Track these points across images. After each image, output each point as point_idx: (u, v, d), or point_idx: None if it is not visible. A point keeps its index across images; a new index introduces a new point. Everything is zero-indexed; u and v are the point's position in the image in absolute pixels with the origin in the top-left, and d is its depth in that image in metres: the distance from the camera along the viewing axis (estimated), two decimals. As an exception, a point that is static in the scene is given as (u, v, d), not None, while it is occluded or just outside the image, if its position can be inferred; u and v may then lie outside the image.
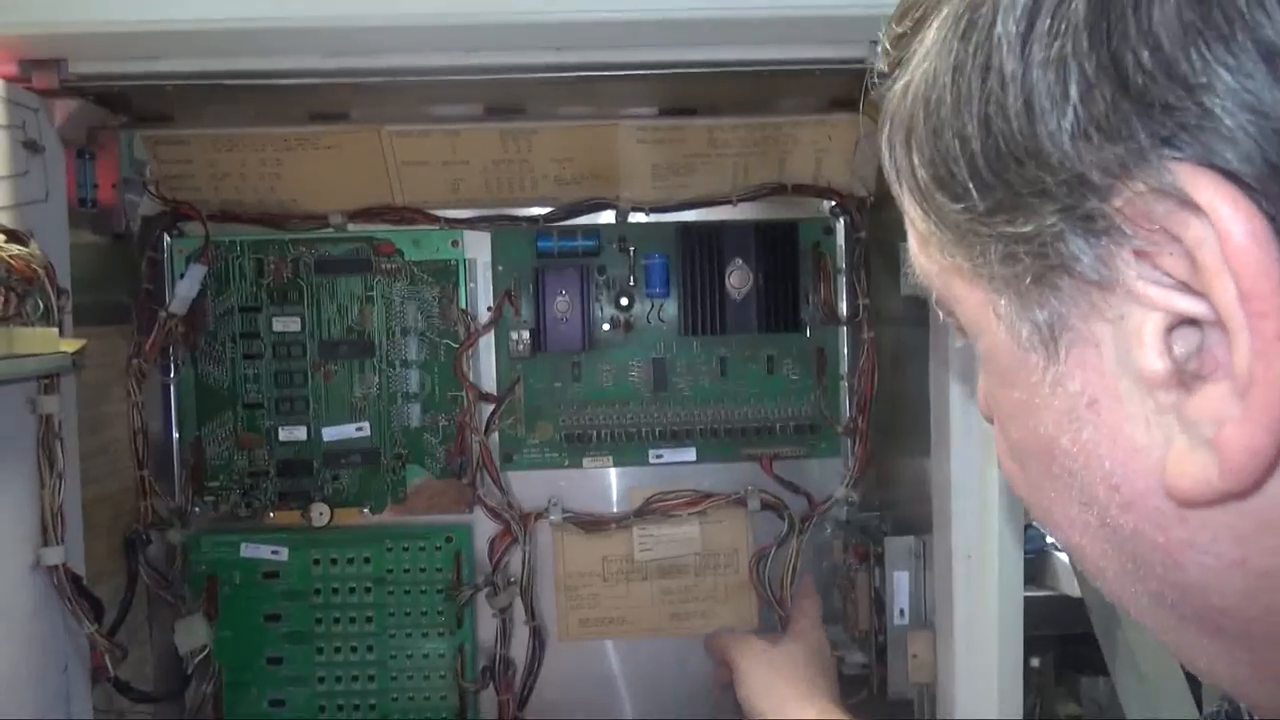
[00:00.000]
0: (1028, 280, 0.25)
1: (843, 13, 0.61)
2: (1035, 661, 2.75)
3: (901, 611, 0.79)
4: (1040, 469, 0.29)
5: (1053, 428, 0.27)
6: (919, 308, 0.75)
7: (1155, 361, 0.23)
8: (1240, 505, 0.23)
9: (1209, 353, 0.23)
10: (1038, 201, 0.24)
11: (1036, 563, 2.41)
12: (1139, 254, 0.23)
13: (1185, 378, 0.23)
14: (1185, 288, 0.23)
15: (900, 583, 0.79)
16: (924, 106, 0.27)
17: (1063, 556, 2.34)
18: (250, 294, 0.90)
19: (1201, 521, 0.24)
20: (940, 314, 0.33)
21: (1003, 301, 0.27)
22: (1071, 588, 1.90)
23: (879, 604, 0.80)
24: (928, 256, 0.31)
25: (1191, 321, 0.23)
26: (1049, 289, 0.25)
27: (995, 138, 0.24)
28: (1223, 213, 0.21)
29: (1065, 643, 2.59)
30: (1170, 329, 0.23)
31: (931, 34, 0.27)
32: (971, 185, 0.25)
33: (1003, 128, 0.24)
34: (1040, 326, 0.26)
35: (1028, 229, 0.24)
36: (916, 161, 0.27)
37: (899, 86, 0.28)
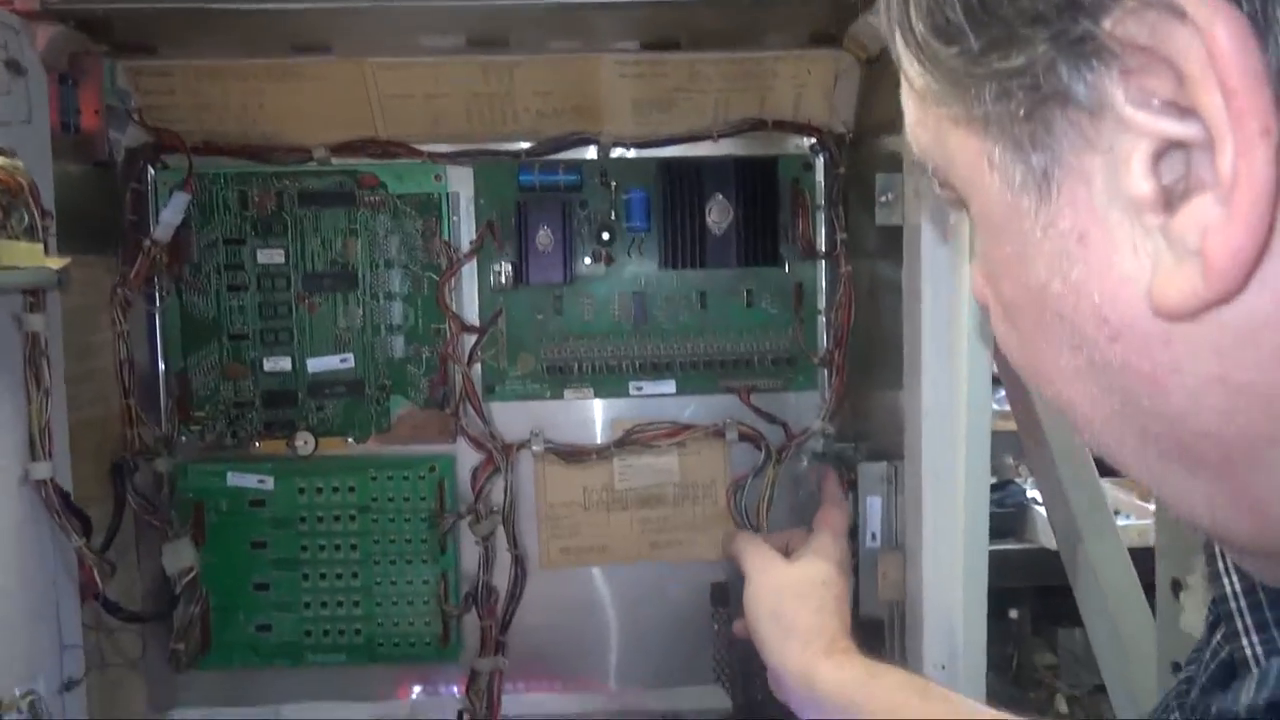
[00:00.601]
0: (1021, 115, 0.26)
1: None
2: (1014, 613, 2.81)
3: (874, 535, 0.81)
4: (1032, 322, 0.30)
5: (1044, 273, 0.28)
6: (894, 241, 0.77)
7: (1143, 184, 0.24)
8: (1221, 317, 0.25)
9: (1194, 174, 0.24)
10: (1030, 31, 0.25)
11: (1015, 516, 2.46)
12: (1127, 75, 0.24)
13: (1172, 198, 0.25)
14: (1173, 109, 0.24)
15: (873, 507, 0.81)
16: None
17: (1041, 510, 2.39)
18: (234, 226, 0.91)
19: (1184, 342, 0.26)
20: (937, 189, 0.34)
21: (997, 149, 0.28)
22: (1049, 540, 1.93)
23: (852, 529, 0.82)
24: (924, 123, 0.32)
25: (1178, 146, 0.24)
26: (1041, 126, 0.26)
27: None
28: (1204, 15, 0.22)
29: (1043, 595, 2.65)
30: (1158, 155, 0.24)
31: None
32: (966, 25, 0.26)
33: None
34: (1033, 168, 0.27)
35: (1020, 61, 0.25)
36: (914, 15, 0.29)
37: None
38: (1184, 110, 0.24)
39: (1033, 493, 2.44)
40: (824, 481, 0.82)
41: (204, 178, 0.90)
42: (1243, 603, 0.34)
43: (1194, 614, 0.56)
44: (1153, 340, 0.26)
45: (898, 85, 0.36)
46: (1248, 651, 0.33)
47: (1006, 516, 2.33)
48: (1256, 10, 0.22)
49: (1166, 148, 0.24)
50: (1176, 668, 0.61)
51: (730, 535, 0.84)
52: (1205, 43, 0.22)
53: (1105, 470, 0.87)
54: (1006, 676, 2.52)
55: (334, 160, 0.91)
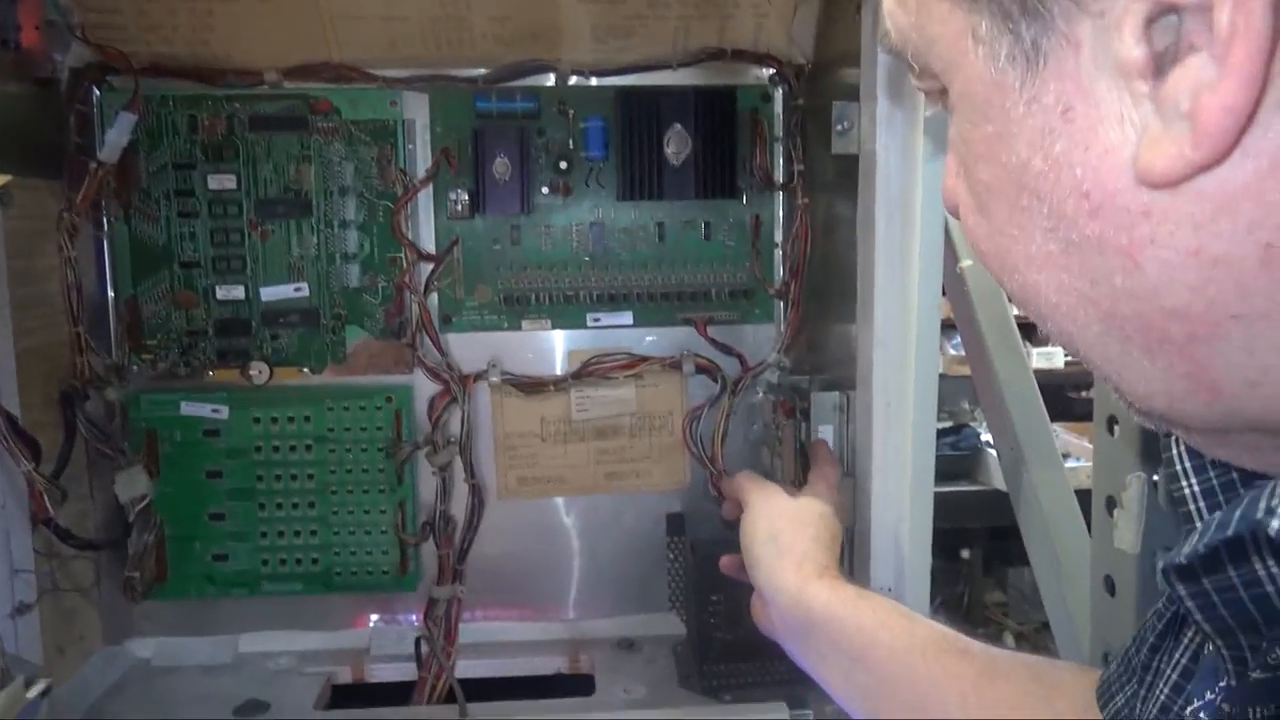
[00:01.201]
0: None
1: None
2: (966, 554, 2.88)
3: (825, 464, 0.82)
4: (1007, 208, 0.30)
5: (1025, 151, 0.28)
6: (850, 174, 0.77)
7: (1135, 49, 0.24)
8: (1201, 187, 0.25)
9: (1186, 38, 0.24)
10: None
11: (969, 459, 2.51)
12: None
13: (1163, 64, 0.25)
14: None
15: (825, 436, 0.82)
16: None
17: (994, 453, 2.43)
18: (184, 151, 0.89)
19: (1163, 214, 0.26)
20: (913, 80, 0.34)
21: (984, 22, 0.28)
22: (1001, 482, 1.98)
23: (804, 458, 0.84)
24: (905, 4, 0.32)
25: (1170, 10, 0.24)
26: None
27: None
28: None
29: (994, 536, 2.72)
30: (1150, 19, 0.24)
31: None
32: None
33: None
34: (1022, 38, 0.27)
35: None
36: None
37: None
38: None
39: (986, 436, 2.49)
40: (815, 447, 0.84)
41: (151, 100, 0.88)
42: (1193, 479, 0.35)
43: (1127, 530, 0.58)
44: (1132, 213, 0.26)
45: (859, 12, 0.36)
46: (1196, 519, 0.35)
47: (961, 459, 2.38)
48: None
49: (1159, 12, 0.24)
50: (1109, 582, 0.64)
51: (730, 477, 0.84)
52: None
53: (1054, 415, 0.89)
54: (958, 614, 2.60)
55: (286, 84, 0.89)
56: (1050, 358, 2.80)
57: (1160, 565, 0.31)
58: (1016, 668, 0.57)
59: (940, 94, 0.33)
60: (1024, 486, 0.74)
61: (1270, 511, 0.27)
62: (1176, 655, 0.38)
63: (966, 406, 2.52)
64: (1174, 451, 0.35)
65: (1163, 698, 0.38)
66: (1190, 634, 0.38)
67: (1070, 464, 1.65)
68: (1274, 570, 0.29)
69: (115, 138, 0.84)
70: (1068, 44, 0.26)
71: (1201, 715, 0.33)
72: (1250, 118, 0.24)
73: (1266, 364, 0.27)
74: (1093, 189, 0.27)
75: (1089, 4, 0.25)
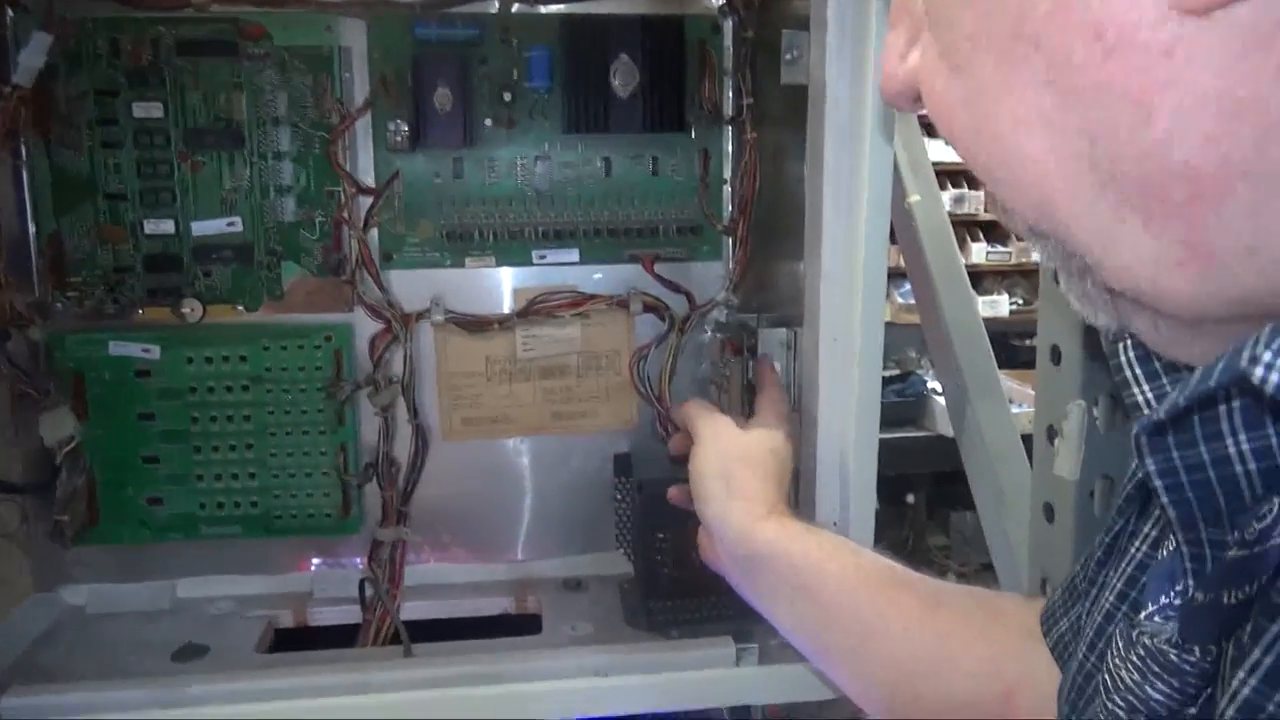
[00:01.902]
0: None
1: None
2: (911, 498, 2.93)
3: (772, 401, 0.82)
4: (994, 62, 0.28)
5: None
6: (800, 106, 0.76)
7: None
8: (1236, 16, 0.23)
9: None
10: None
11: (916, 405, 2.55)
12: None
13: None
14: None
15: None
16: None
17: (940, 400, 2.47)
18: (106, 77, 0.85)
19: (1188, 51, 0.24)
20: None
21: None
22: (946, 428, 2.01)
23: (752, 395, 0.83)
24: None
25: None
26: None
27: None
28: None
29: (938, 481, 2.78)
30: None
31: None
32: None
33: None
34: None
35: None
36: None
37: None
38: None
39: (933, 384, 2.53)
40: (759, 368, 0.82)
41: (68, 23, 0.83)
42: (1145, 385, 0.34)
43: (1067, 458, 0.59)
44: (1152, 51, 0.25)
45: None
46: (1145, 409, 0.34)
47: (907, 405, 2.42)
48: None
49: None
50: (1049, 509, 0.64)
51: (681, 405, 0.83)
52: None
53: (999, 363, 0.89)
54: (903, 557, 2.65)
55: (214, 7, 0.84)
56: (995, 305, 2.85)
57: (1134, 430, 0.30)
58: (959, 598, 0.58)
59: None
60: (968, 422, 0.75)
61: (1254, 359, 0.25)
62: (1123, 565, 0.39)
63: (913, 355, 2.56)
64: (1122, 358, 0.35)
65: (1107, 606, 0.38)
66: (1137, 544, 0.38)
67: (1014, 409, 1.68)
68: (1244, 447, 0.28)
69: (29, 60, 0.80)
70: None
71: (1156, 618, 0.33)
72: None
73: (1270, 228, 0.25)
74: (1108, 26, 0.25)
75: None
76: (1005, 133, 0.29)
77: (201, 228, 0.88)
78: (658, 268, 0.92)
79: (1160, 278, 0.28)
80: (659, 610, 0.85)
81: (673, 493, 0.77)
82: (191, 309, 0.88)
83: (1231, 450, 0.28)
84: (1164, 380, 0.33)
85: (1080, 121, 0.27)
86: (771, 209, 0.88)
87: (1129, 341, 0.34)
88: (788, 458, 0.71)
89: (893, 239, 0.77)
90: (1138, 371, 0.34)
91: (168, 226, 0.87)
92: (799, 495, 0.77)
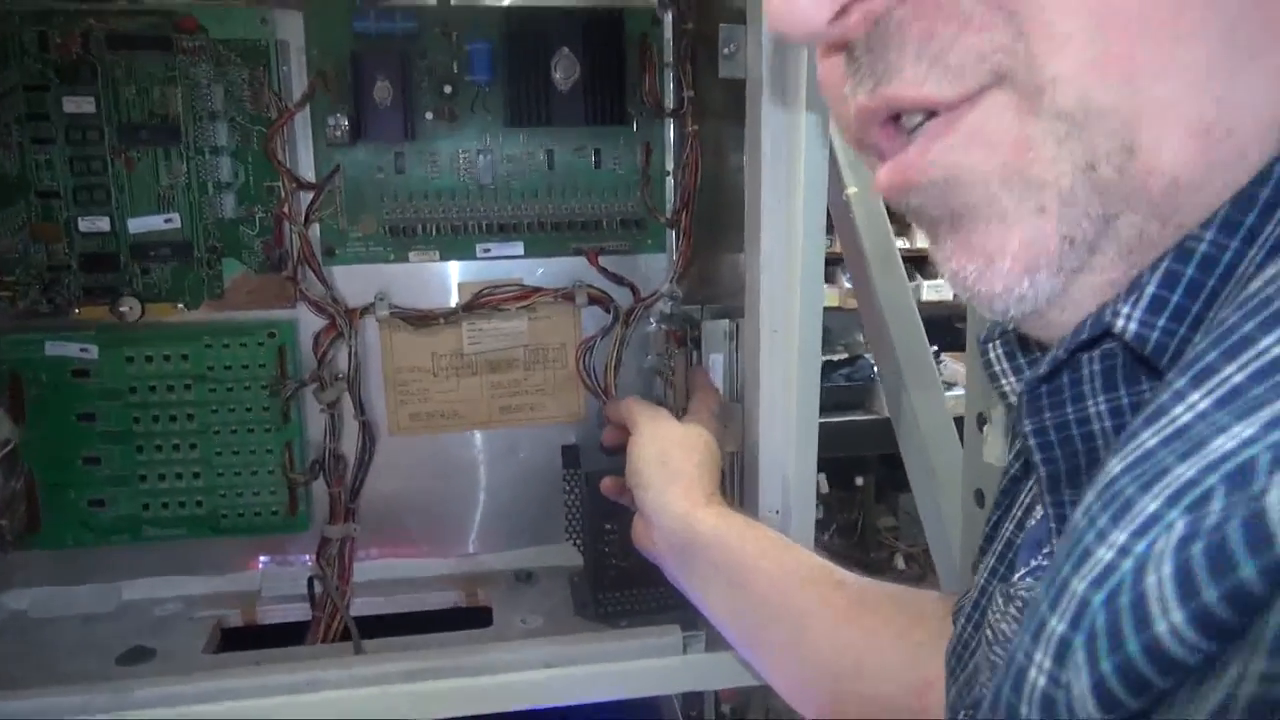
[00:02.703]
0: None
1: None
2: (860, 480, 2.97)
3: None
4: None
5: None
6: (739, 99, 0.77)
7: None
8: None
9: None
10: None
11: (863, 390, 2.58)
12: None
13: None
14: None
15: (715, 364, 0.83)
16: None
17: (888, 383, 2.50)
18: (34, 71, 0.83)
19: None
20: None
21: None
22: (894, 411, 2.05)
23: (688, 384, 0.84)
24: None
25: None
26: None
27: None
28: None
29: (886, 463, 2.82)
30: None
31: None
32: None
33: None
34: None
35: None
36: None
37: None
38: None
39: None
40: (694, 374, 0.84)
41: (-6, 16, 0.81)
42: (1009, 371, 0.36)
43: (995, 444, 0.61)
44: None
45: None
46: (1014, 399, 0.36)
47: (855, 390, 2.45)
48: None
49: None
50: (979, 495, 0.66)
51: (614, 401, 0.84)
52: None
53: (944, 345, 0.91)
54: (853, 539, 2.70)
55: (147, 1, 0.83)
56: (940, 290, 2.89)
57: (1019, 390, 0.32)
58: (884, 599, 0.59)
59: None
60: (904, 409, 0.77)
61: (1115, 313, 0.27)
62: (995, 545, 0.40)
63: (861, 339, 2.58)
64: (991, 355, 0.37)
65: (982, 581, 0.40)
66: (1007, 525, 0.40)
67: (957, 392, 1.71)
68: (1102, 407, 0.30)
69: (-47, 55, 0.78)
70: None
71: (1028, 579, 0.35)
72: None
73: None
74: None
75: None
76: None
77: (138, 225, 0.86)
78: (602, 260, 0.92)
79: (1245, 145, 0.26)
80: (607, 601, 0.86)
81: (606, 483, 0.78)
82: (130, 308, 0.87)
83: (1092, 410, 0.30)
84: (1028, 374, 0.35)
85: None
86: (714, 201, 0.89)
87: (997, 340, 0.36)
88: (719, 453, 0.72)
89: (832, 230, 0.79)
90: (1005, 366, 0.36)
91: (103, 224, 0.86)
92: (742, 485, 0.79)
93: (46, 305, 0.87)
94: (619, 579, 0.86)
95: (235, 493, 0.92)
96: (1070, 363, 0.30)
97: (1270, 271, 0.24)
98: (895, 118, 0.31)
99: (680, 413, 0.78)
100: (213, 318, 0.89)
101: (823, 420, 0.75)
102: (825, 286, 1.35)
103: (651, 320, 0.94)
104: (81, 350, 0.87)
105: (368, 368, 0.92)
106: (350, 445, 0.92)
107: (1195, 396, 0.23)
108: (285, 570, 0.95)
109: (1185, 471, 0.22)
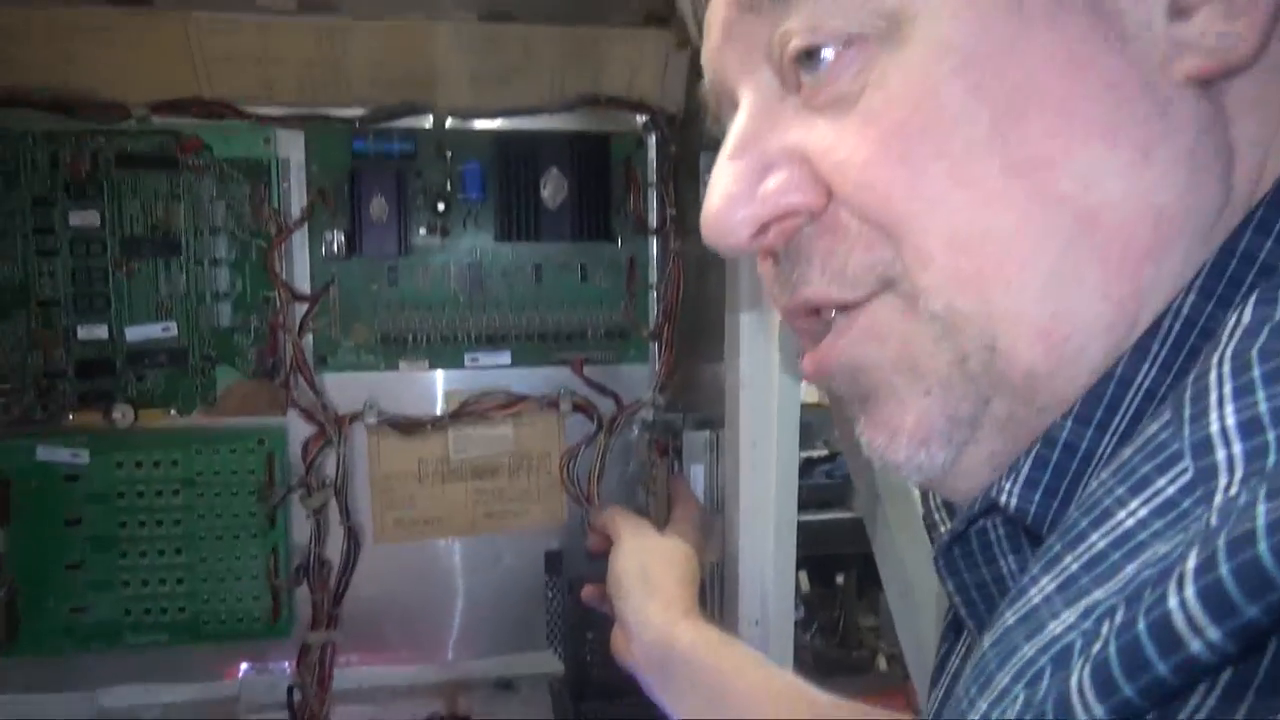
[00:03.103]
0: None
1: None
2: (840, 579, 2.96)
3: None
4: (986, 129, 0.30)
5: (1048, 50, 0.30)
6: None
7: None
8: (1213, 94, 0.29)
9: None
10: None
11: (843, 488, 2.58)
12: None
13: None
14: None
15: (696, 474, 0.85)
16: None
17: (869, 480, 2.50)
18: (43, 187, 0.86)
19: (1182, 110, 0.29)
20: (793, 22, 0.33)
21: None
22: (875, 508, 2.05)
23: (669, 494, 0.86)
24: None
25: None
26: None
27: None
28: None
29: (867, 561, 2.79)
30: None
31: None
32: None
33: None
34: None
35: None
36: None
37: None
38: None
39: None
40: (674, 485, 0.86)
41: (8, 135, 0.85)
42: (946, 519, 0.40)
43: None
44: (1161, 102, 0.29)
45: None
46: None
47: (835, 488, 2.45)
48: None
49: None
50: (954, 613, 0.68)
51: (599, 511, 0.86)
52: None
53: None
54: (834, 639, 2.67)
55: (155, 119, 0.87)
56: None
57: (933, 555, 0.36)
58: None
59: (841, 39, 0.32)
60: (879, 519, 0.79)
61: (1000, 489, 0.32)
62: (941, 679, 0.42)
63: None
64: (930, 504, 0.40)
65: (930, 714, 0.42)
66: (951, 660, 0.42)
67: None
68: (1013, 566, 0.33)
69: (-34, 174, 0.81)
70: None
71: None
72: (1267, 42, 0.28)
73: (1167, 292, 0.30)
74: (1123, 82, 0.29)
75: None
76: (979, 202, 0.31)
77: (136, 333, 0.89)
78: (587, 370, 0.95)
79: (1068, 348, 0.31)
80: (588, 711, 0.86)
81: (587, 591, 0.79)
82: (123, 414, 0.89)
83: (1004, 569, 0.34)
84: (943, 538, 0.38)
85: (1078, 168, 0.30)
86: (695, 314, 0.92)
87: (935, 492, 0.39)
88: (699, 568, 0.74)
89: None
90: (944, 515, 0.39)
91: (101, 332, 0.88)
92: (722, 594, 0.80)
93: (41, 411, 0.88)
94: (600, 689, 0.87)
95: (218, 598, 0.92)
96: (978, 528, 0.34)
97: (1104, 474, 0.27)
98: (815, 310, 0.36)
99: (662, 522, 0.80)
100: (204, 424, 0.91)
101: (803, 518, 0.77)
102: (803, 384, 1.38)
103: (634, 429, 0.97)
104: (73, 456, 0.89)
105: (355, 474, 0.93)
106: (335, 551, 0.93)
107: (1044, 580, 0.27)
108: (265, 678, 0.94)
109: (1028, 651, 0.25)
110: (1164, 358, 0.30)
